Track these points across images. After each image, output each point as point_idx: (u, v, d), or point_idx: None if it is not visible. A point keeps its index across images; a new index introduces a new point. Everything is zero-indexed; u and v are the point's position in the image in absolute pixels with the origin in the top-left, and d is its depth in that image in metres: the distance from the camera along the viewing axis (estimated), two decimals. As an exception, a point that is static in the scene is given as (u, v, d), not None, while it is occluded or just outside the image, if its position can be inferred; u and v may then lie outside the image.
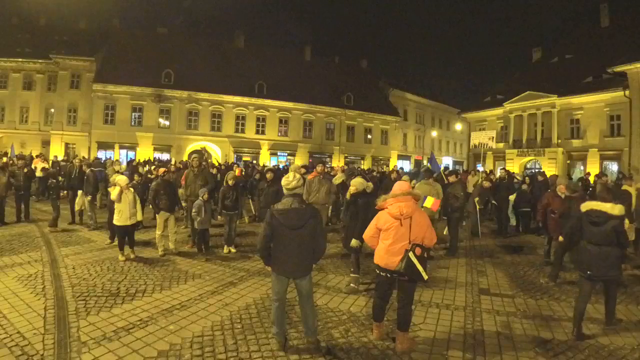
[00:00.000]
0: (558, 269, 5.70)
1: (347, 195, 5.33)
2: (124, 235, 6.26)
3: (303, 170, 6.99)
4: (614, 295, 4.05)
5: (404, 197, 3.49)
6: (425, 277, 3.32)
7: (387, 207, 3.53)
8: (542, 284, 5.56)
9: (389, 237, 3.45)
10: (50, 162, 18.21)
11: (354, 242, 5.08)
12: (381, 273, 3.52)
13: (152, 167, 13.63)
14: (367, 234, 3.69)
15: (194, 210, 6.58)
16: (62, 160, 19.33)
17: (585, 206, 3.97)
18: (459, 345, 3.60)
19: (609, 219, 3.73)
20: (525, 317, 4.31)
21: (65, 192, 9.82)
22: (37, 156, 16.59)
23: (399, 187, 3.64)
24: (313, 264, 3.50)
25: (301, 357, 3.28)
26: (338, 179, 7.46)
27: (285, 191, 3.43)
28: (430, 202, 6.36)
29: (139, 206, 6.54)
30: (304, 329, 3.48)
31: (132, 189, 6.48)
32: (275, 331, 3.43)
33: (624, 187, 7.32)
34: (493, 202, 9.90)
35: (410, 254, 3.32)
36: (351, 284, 5.10)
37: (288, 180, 3.41)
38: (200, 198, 6.56)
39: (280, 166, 24.80)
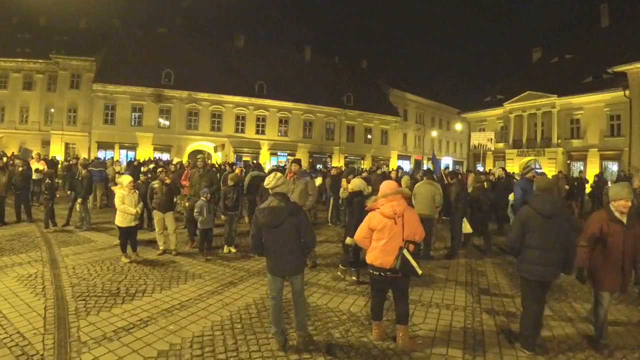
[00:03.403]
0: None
1: (340, 194, 5.33)
2: (126, 237, 6.20)
3: (296, 167, 6.83)
4: None
5: (393, 196, 3.51)
6: (420, 272, 3.37)
7: (378, 208, 3.53)
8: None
9: (383, 237, 3.46)
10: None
11: (348, 240, 5.12)
12: (374, 272, 3.52)
13: (152, 166, 13.62)
14: (359, 234, 3.62)
15: (196, 210, 6.57)
16: (66, 161, 19.33)
17: None
18: (459, 345, 3.60)
19: None
20: (525, 317, 4.30)
21: (68, 192, 9.86)
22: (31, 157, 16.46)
23: (387, 186, 3.64)
24: (305, 263, 3.55)
25: (301, 357, 3.28)
26: (345, 192, 6.50)
27: (269, 191, 3.48)
28: None
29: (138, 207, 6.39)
30: (294, 323, 3.57)
31: (136, 190, 6.44)
32: (274, 330, 3.44)
33: None
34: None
35: (405, 252, 3.37)
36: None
37: (268, 180, 3.47)
38: (202, 198, 6.55)
39: (280, 166, 24.75)
